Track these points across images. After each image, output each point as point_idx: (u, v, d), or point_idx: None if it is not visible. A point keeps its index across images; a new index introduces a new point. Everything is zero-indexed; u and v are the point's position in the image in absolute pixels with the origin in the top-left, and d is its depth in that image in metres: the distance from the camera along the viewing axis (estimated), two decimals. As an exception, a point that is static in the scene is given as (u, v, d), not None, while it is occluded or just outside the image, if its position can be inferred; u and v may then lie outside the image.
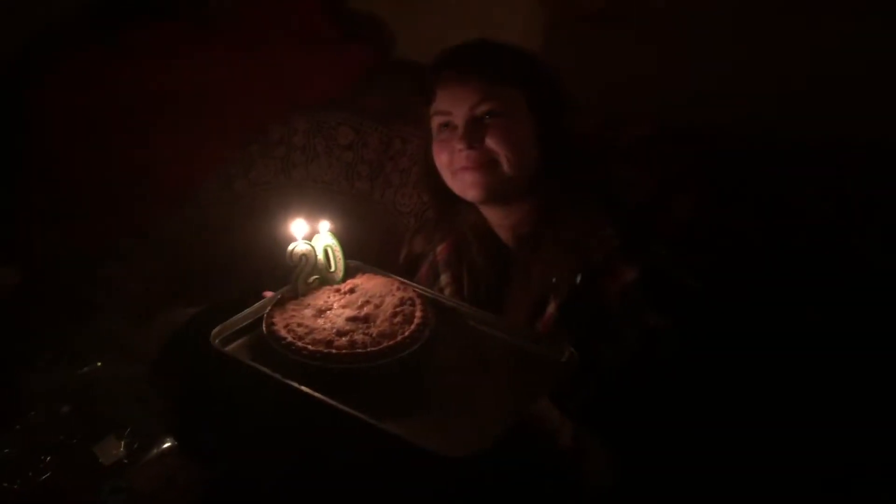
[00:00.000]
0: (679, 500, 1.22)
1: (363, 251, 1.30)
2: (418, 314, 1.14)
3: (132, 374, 1.54)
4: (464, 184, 1.26)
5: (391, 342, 1.09)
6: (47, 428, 1.47)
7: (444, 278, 1.36)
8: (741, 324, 1.33)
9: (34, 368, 1.63)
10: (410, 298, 1.17)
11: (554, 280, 1.22)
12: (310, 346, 1.08)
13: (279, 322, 1.13)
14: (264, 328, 1.13)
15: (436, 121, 1.28)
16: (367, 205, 1.85)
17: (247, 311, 1.18)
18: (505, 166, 1.24)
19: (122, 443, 1.43)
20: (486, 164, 1.24)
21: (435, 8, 2.03)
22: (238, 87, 1.99)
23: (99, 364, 1.58)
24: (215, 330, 1.14)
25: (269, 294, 1.21)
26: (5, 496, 1.36)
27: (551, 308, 1.21)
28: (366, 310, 1.15)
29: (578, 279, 1.20)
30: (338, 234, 1.21)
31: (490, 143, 1.23)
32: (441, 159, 1.28)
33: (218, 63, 2.00)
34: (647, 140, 1.62)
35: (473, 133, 1.23)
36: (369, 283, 1.21)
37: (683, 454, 1.19)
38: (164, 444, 1.43)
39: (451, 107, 1.25)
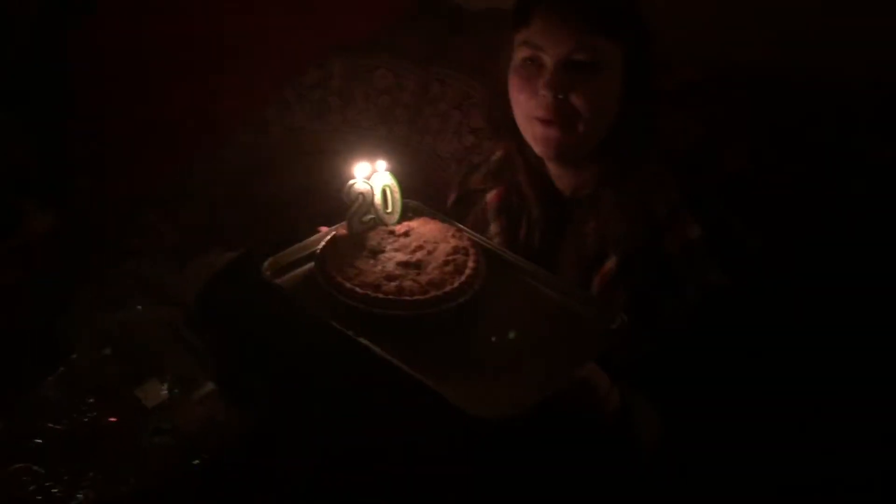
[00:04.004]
0: (722, 457, 1.20)
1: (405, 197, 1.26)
2: (470, 264, 1.11)
3: (172, 317, 1.54)
4: (534, 134, 1.18)
5: (438, 292, 1.07)
6: (90, 371, 1.48)
7: (493, 227, 1.31)
8: (798, 283, 1.28)
9: (73, 312, 1.64)
10: (464, 248, 1.14)
11: (614, 234, 1.17)
12: (357, 289, 1.06)
13: (330, 260, 1.11)
14: (315, 265, 1.11)
15: (522, 52, 1.16)
16: (406, 150, 1.82)
17: (300, 244, 1.16)
18: (582, 126, 1.15)
19: (165, 385, 1.43)
20: (564, 121, 1.14)
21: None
22: (274, 28, 1.96)
23: (139, 308, 1.58)
24: (268, 261, 1.13)
25: (324, 230, 1.18)
26: (50, 436, 1.37)
27: (611, 263, 1.17)
28: (418, 255, 1.13)
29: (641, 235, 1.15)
30: (397, 175, 1.17)
31: (575, 99, 1.13)
32: (519, 97, 1.18)
33: (254, 3, 1.98)
34: (693, 85, 1.57)
35: (563, 81, 1.13)
36: (425, 228, 1.18)
37: (729, 413, 1.16)
38: (205, 386, 1.44)
39: (546, 43, 1.13)
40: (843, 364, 1.30)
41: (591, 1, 1.13)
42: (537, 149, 1.20)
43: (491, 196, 1.33)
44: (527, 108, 1.18)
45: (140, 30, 2.00)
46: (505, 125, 1.25)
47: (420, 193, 1.30)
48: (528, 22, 1.15)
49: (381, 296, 1.06)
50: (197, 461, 1.33)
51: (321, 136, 1.92)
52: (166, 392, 1.42)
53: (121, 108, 2.01)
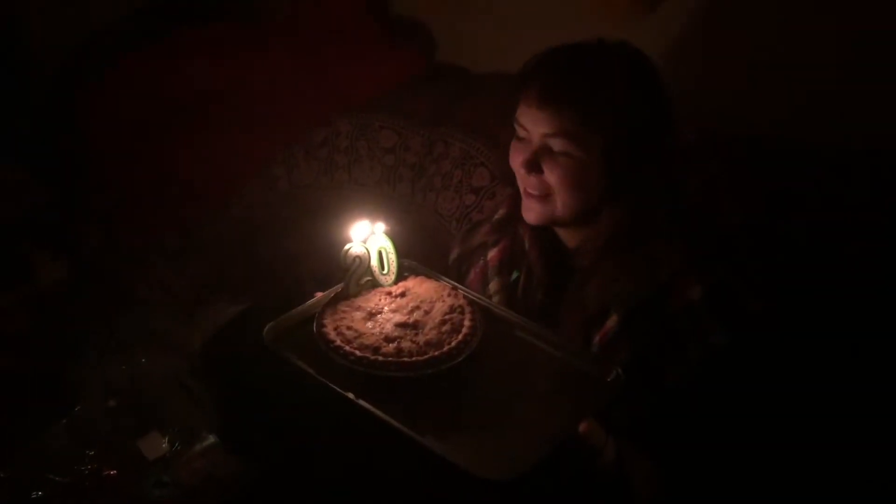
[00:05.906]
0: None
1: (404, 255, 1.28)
2: (467, 323, 1.13)
3: (177, 369, 1.56)
4: (524, 203, 1.25)
5: (437, 352, 1.09)
6: (93, 422, 1.49)
7: (494, 285, 1.33)
8: (798, 343, 1.29)
9: (80, 363, 1.66)
10: (460, 306, 1.16)
11: (617, 293, 1.19)
12: (357, 352, 1.08)
13: (329, 324, 1.13)
14: (314, 329, 1.13)
15: (517, 128, 1.24)
16: (409, 208, 1.85)
17: (299, 308, 1.19)
18: (558, 201, 1.20)
19: (166, 438, 1.44)
20: (541, 195, 1.21)
21: (477, 13, 2.04)
22: (284, 90, 2.02)
23: (144, 360, 1.59)
24: (268, 326, 1.15)
25: (319, 295, 1.21)
26: (52, 488, 1.38)
27: (612, 321, 1.18)
28: (415, 316, 1.15)
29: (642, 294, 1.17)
30: (392, 236, 1.20)
31: (549, 177, 1.19)
32: (513, 162, 1.25)
33: (265, 65, 2.03)
34: (686, 147, 1.60)
35: (538, 161, 1.20)
36: (420, 288, 1.20)
37: (730, 474, 1.17)
38: (207, 439, 1.45)
39: (528, 125, 1.20)
40: (844, 423, 1.29)
41: (568, 94, 1.17)
42: (525, 216, 1.25)
43: (493, 254, 1.36)
44: (518, 178, 1.25)
45: (153, 88, 2.04)
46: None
47: (421, 251, 1.33)
48: (518, 104, 1.22)
49: (380, 358, 1.08)
50: (196, 515, 1.34)
51: (327, 193, 1.95)
52: (167, 444, 1.43)
53: (133, 163, 2.05)
